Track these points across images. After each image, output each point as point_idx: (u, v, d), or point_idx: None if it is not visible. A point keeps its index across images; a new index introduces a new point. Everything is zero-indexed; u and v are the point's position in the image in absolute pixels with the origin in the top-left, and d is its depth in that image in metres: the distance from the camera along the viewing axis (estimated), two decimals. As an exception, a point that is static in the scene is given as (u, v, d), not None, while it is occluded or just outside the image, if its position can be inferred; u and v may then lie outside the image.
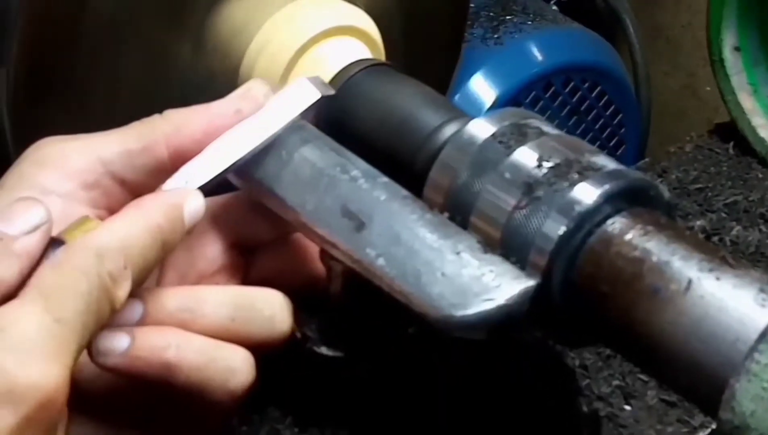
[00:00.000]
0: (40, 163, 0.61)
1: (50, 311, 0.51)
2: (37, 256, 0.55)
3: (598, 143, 1.33)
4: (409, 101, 0.68)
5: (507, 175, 0.60)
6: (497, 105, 1.24)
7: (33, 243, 0.55)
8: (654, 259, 0.55)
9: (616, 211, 0.58)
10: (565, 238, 0.57)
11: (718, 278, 0.54)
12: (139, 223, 0.57)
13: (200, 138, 0.63)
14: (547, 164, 0.59)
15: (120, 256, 0.55)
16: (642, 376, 0.73)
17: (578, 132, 1.31)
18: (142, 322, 0.57)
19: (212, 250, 0.65)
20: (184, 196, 0.60)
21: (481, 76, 1.27)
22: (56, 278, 0.53)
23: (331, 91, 0.66)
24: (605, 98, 1.34)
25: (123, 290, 0.55)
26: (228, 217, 0.66)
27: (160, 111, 0.64)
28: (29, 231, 0.55)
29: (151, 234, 0.57)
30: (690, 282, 0.54)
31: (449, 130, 0.65)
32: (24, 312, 0.51)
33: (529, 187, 0.59)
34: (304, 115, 0.65)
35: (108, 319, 0.55)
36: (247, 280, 0.66)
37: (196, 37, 0.78)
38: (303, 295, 0.65)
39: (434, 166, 0.63)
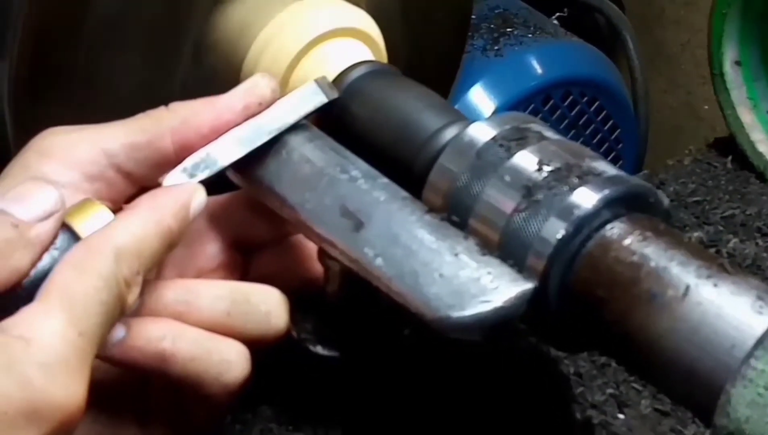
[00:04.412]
0: (44, 152, 0.61)
1: (75, 324, 0.51)
2: (48, 244, 0.55)
3: (595, 158, 1.33)
4: (411, 103, 0.67)
5: (507, 178, 0.59)
6: (496, 117, 1.23)
7: (47, 231, 0.54)
8: (652, 264, 0.55)
9: (615, 217, 0.57)
10: (563, 242, 0.57)
11: (715, 285, 0.53)
12: (153, 225, 0.56)
13: (207, 133, 0.62)
14: (547, 168, 0.59)
15: (135, 261, 0.55)
16: (636, 385, 0.73)
17: (576, 146, 1.31)
18: (138, 312, 0.57)
19: (211, 249, 0.65)
20: (191, 193, 0.60)
21: (481, 87, 1.27)
22: (79, 285, 0.52)
23: (336, 95, 0.66)
24: (603, 113, 1.34)
25: (133, 295, 0.55)
26: (228, 216, 0.66)
27: (161, 108, 0.64)
28: (43, 217, 0.54)
29: (163, 237, 0.57)
30: (688, 288, 0.53)
31: (450, 132, 0.64)
32: (49, 323, 0.50)
33: (528, 190, 0.58)
34: (307, 116, 0.65)
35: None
36: (245, 278, 0.66)
37: (198, 36, 0.78)
38: (300, 294, 0.65)
39: (434, 168, 0.62)
